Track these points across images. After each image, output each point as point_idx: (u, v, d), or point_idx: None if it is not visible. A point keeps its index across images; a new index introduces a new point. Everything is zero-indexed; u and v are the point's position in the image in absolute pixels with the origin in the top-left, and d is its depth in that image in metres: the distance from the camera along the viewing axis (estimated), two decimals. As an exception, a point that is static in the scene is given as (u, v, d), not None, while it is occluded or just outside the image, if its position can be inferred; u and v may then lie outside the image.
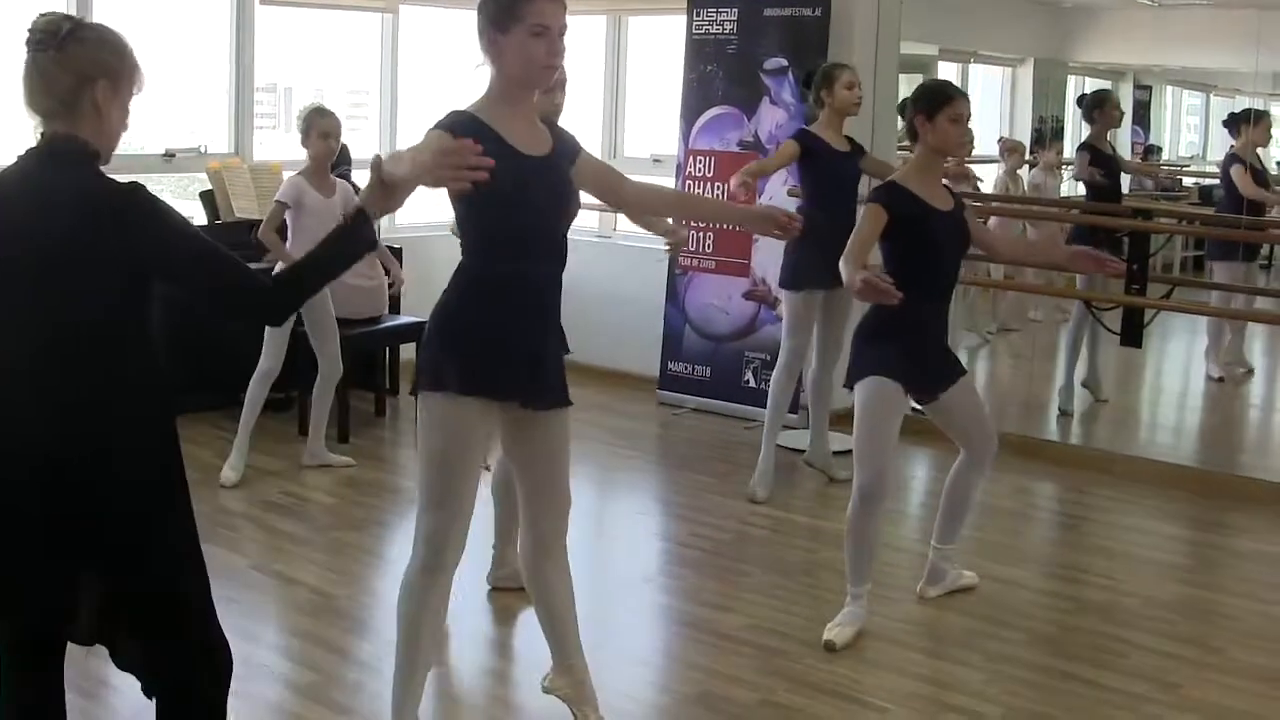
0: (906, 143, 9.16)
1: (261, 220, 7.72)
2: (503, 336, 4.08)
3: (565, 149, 4.21)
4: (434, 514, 4.17)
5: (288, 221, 7.64)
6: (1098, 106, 9.36)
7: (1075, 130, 11.82)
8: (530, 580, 4.48)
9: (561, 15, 4.02)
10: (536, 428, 4.25)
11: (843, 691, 5.22)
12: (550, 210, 4.15)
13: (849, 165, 7.44)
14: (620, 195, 4.55)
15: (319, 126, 7.62)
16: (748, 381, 9.31)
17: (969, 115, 5.63)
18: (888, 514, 6.12)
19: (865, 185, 7.51)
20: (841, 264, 5.29)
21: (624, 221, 10.50)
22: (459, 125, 3.98)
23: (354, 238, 3.61)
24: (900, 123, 9.11)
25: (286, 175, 7.92)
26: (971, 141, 5.70)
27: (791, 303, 7.62)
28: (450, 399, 4.08)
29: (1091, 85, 11.65)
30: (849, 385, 5.71)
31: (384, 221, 9.23)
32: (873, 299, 5.22)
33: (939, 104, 5.52)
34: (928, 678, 5.44)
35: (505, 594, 6.09)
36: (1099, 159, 9.24)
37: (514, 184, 4.00)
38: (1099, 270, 6.60)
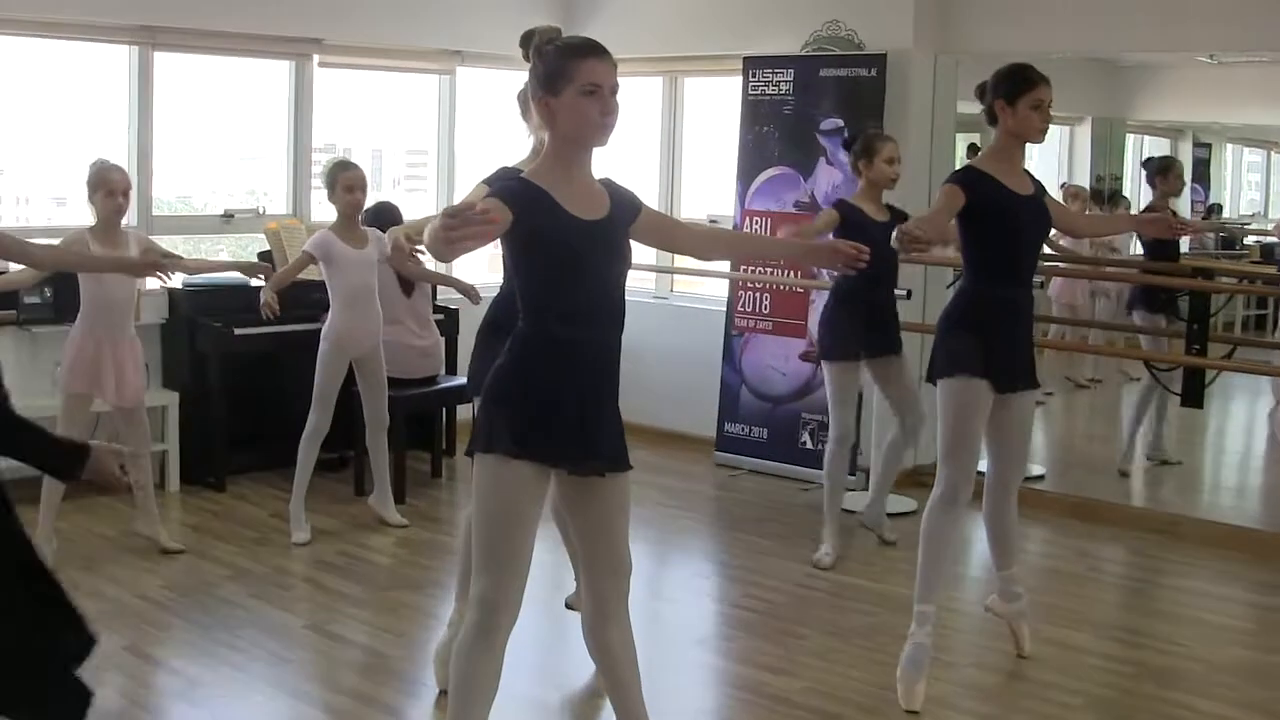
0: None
1: (321, 280, 7.75)
2: (557, 401, 4.05)
3: (623, 208, 4.17)
4: (487, 577, 4.12)
5: (323, 275, 7.69)
6: (1161, 173, 9.28)
7: (1134, 188, 11.77)
8: (593, 644, 4.43)
9: (612, 74, 4.01)
10: (594, 492, 4.20)
11: (900, 757, 5.16)
12: (607, 275, 4.11)
13: (887, 234, 7.35)
14: (679, 243, 4.54)
15: (343, 180, 7.60)
16: (804, 443, 9.26)
17: (1050, 101, 5.55)
18: (949, 577, 6.06)
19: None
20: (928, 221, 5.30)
21: (681, 281, 10.52)
22: (510, 191, 3.97)
23: (55, 460, 3.84)
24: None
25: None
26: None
27: (831, 373, 7.56)
28: (503, 461, 4.05)
29: (1150, 143, 11.59)
30: (930, 380, 5.71)
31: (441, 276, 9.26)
32: (909, 247, 5.22)
33: (1021, 89, 5.49)
34: (986, 743, 5.37)
35: (560, 658, 6.09)
36: None
37: (570, 250, 3.98)
38: (1169, 234, 6.56)
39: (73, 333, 7.15)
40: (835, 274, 7.35)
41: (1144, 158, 10.44)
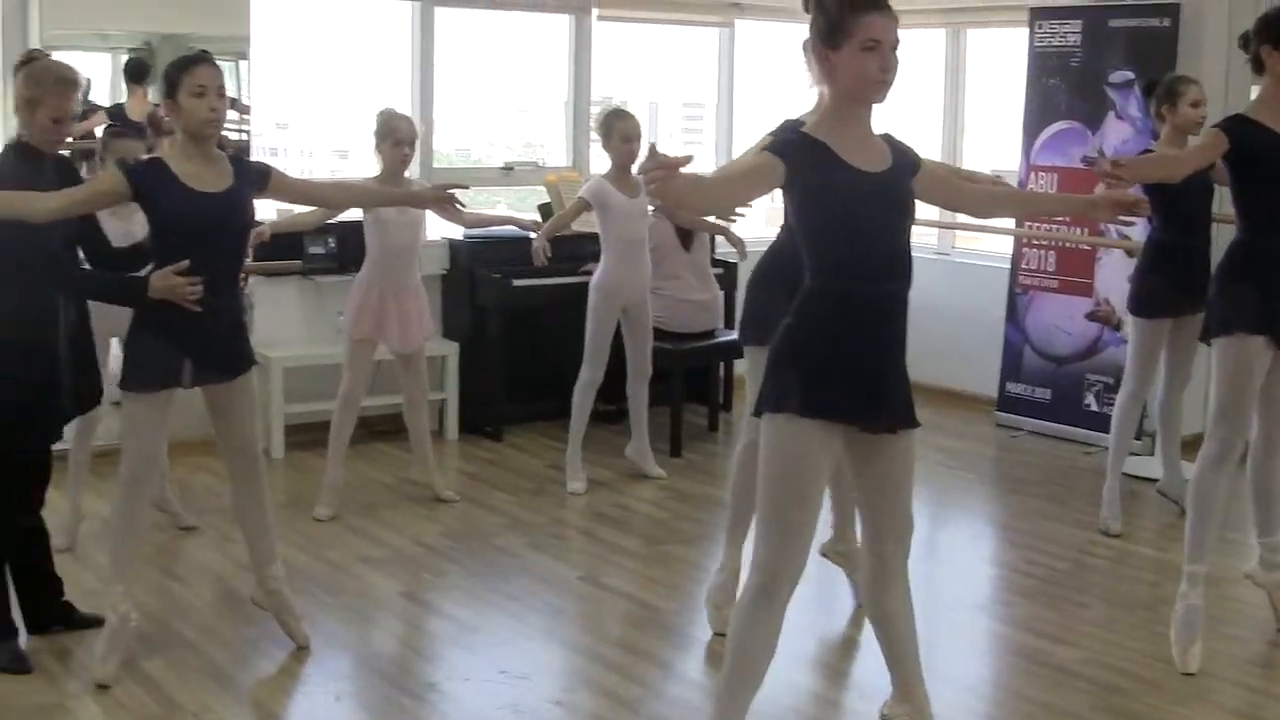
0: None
1: (597, 232, 7.74)
2: (845, 357, 3.98)
3: (905, 162, 4.09)
4: (771, 544, 4.07)
5: (596, 224, 7.70)
6: None
7: None
8: (871, 604, 4.36)
9: (893, 30, 3.92)
10: (880, 450, 4.12)
11: (1185, 732, 4.99)
12: (892, 227, 4.03)
13: (1196, 183, 7.01)
14: (961, 200, 4.46)
15: (619, 129, 7.59)
16: (1089, 405, 9.03)
17: None
18: (1224, 543, 5.85)
19: (1219, 201, 7.19)
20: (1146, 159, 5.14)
21: (962, 238, 10.33)
22: (786, 144, 3.94)
23: (123, 290, 5.23)
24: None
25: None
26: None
27: (1138, 329, 7.28)
28: (791, 421, 3.99)
29: None
30: (1205, 340, 5.56)
31: (718, 238, 9.20)
32: (1102, 178, 5.11)
33: None
34: (1277, 721, 5.16)
35: (837, 619, 6.06)
36: None
37: (852, 202, 3.91)
38: None
39: (358, 280, 7.28)
40: (1149, 232, 7.13)
41: None
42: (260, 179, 5.31)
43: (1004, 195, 5.36)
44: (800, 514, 4.04)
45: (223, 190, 5.10)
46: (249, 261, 6.28)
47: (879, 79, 3.92)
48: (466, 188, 6.47)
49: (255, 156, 8.41)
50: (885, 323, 4.03)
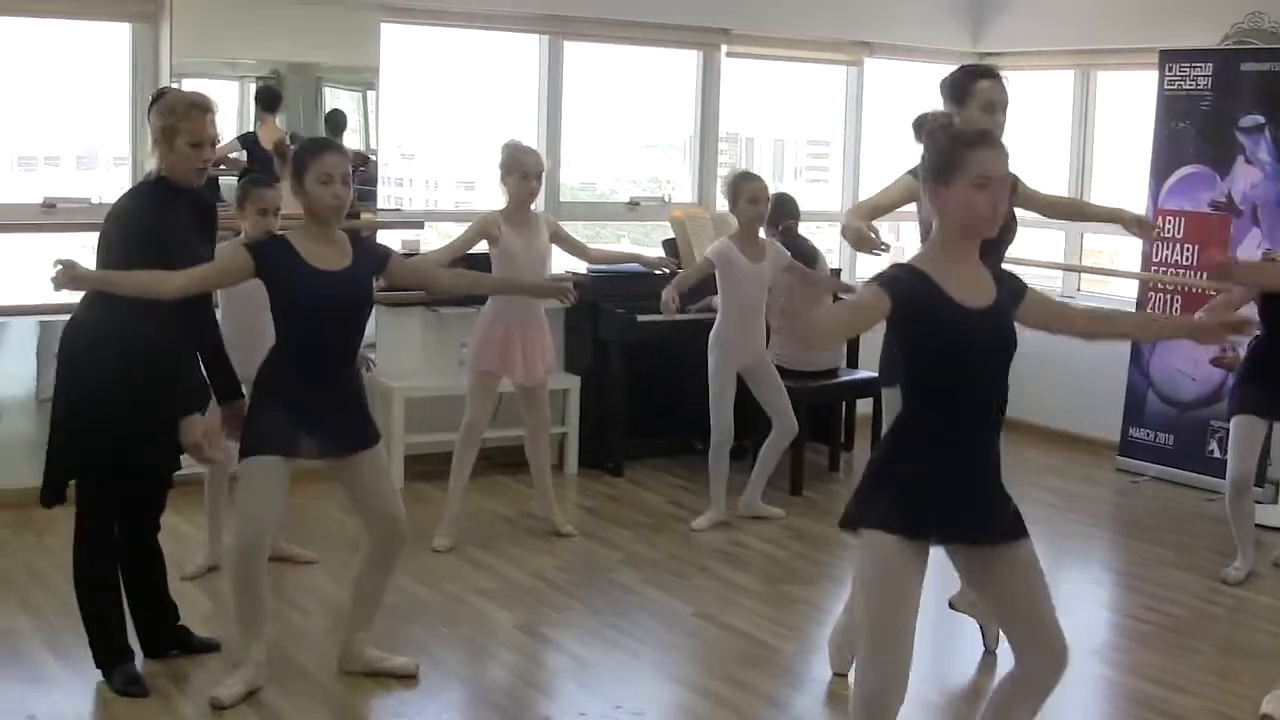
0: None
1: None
2: (933, 481, 4.00)
3: (1008, 294, 4.10)
4: (873, 670, 4.04)
5: (717, 282, 7.71)
6: None
7: None
8: (995, 712, 4.31)
9: (1004, 165, 3.96)
10: (995, 564, 4.13)
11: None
12: (992, 362, 4.05)
13: None
14: (1068, 325, 4.38)
15: (747, 191, 7.56)
16: (1212, 452, 8.92)
17: None
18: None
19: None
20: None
21: (1087, 281, 10.26)
22: (899, 282, 3.95)
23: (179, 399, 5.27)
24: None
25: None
26: None
27: (1234, 427, 7.16)
28: (879, 536, 4.01)
29: None
30: None
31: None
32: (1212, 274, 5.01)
33: None
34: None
35: (944, 657, 6.06)
36: None
37: (954, 338, 3.96)
38: None
39: (483, 313, 7.33)
40: (1255, 338, 7.02)
41: None
42: (380, 262, 5.42)
43: (1117, 320, 5.35)
44: (899, 632, 4.01)
45: (341, 269, 5.22)
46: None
47: (989, 216, 3.96)
48: (579, 286, 6.50)
49: (381, 186, 8.56)
50: (984, 449, 4.07)
